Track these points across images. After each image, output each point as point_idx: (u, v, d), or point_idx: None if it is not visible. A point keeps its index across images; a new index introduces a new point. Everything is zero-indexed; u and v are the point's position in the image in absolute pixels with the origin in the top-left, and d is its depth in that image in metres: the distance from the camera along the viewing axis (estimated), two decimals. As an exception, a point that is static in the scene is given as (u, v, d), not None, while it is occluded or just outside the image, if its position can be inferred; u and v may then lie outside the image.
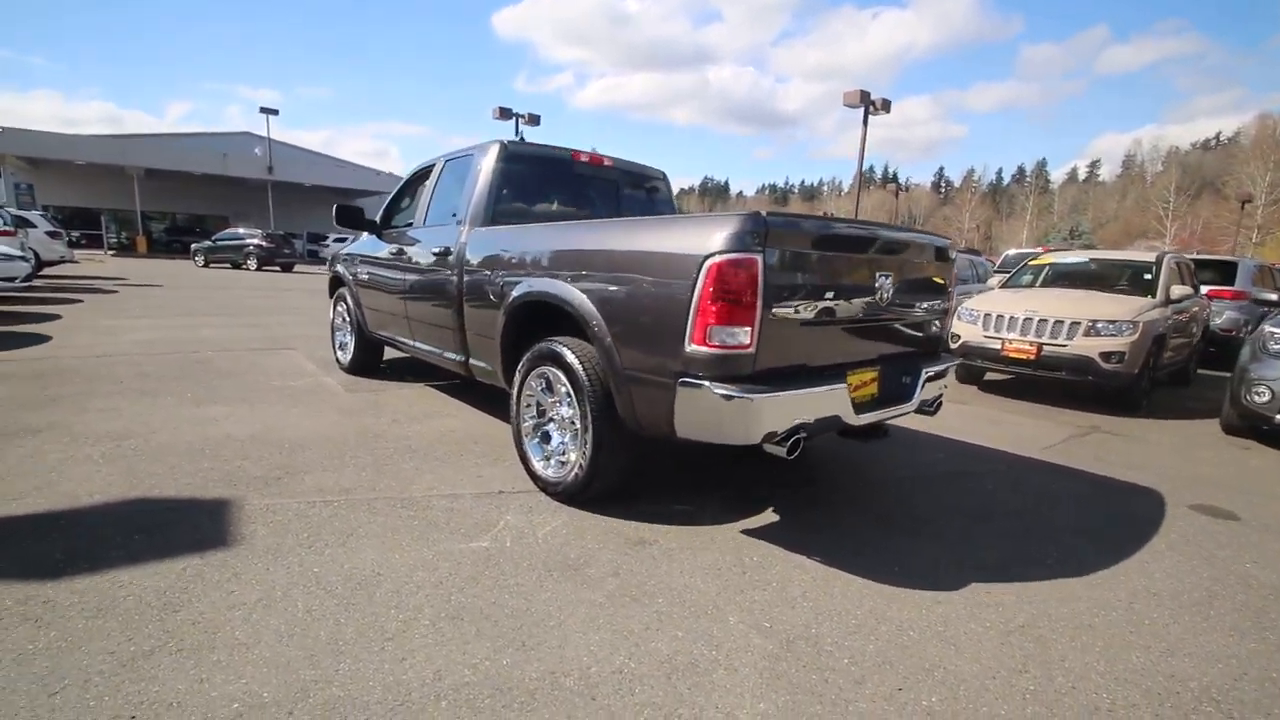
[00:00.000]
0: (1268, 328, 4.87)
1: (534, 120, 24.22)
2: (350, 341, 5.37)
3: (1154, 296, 6.00)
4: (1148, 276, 6.36)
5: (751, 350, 2.17)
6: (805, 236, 2.32)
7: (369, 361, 5.37)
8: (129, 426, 3.66)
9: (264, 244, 23.85)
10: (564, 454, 2.90)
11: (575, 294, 2.65)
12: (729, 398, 2.13)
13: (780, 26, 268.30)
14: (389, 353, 5.55)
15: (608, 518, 2.77)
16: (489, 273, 3.30)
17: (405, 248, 4.26)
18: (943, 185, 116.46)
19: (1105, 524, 3.09)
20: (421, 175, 4.52)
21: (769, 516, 2.91)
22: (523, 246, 3.11)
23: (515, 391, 3.08)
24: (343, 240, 32.07)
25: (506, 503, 2.88)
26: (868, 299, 2.56)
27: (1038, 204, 74.80)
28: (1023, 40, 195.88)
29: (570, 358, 2.69)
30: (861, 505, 3.15)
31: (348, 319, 5.34)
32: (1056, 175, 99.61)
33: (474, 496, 2.93)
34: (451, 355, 3.82)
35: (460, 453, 3.52)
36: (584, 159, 4.01)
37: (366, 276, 4.87)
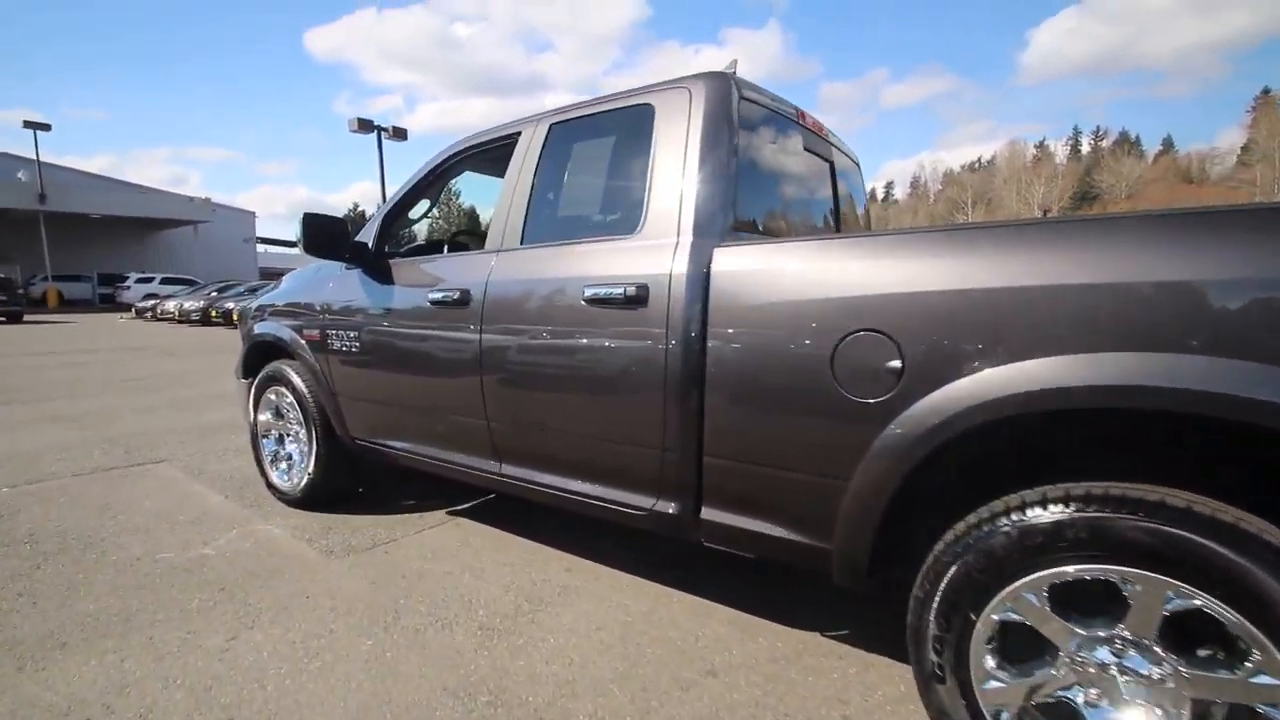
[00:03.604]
0: None
1: (400, 134, 21.37)
2: (303, 452, 3.11)
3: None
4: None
5: None
6: None
7: (341, 485, 3.15)
8: None
9: None
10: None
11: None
12: None
13: (611, 58, 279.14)
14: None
15: None
16: (817, 338, 1.49)
17: (471, 289, 2.24)
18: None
19: None
20: (474, 156, 2.53)
21: None
22: (996, 276, 1.32)
23: (952, 620, 1.32)
24: (147, 280, 26.77)
25: None
26: None
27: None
28: (821, 79, 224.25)
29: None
30: None
31: (298, 414, 3.08)
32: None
33: None
34: (637, 500, 1.90)
35: (726, 721, 1.64)
36: (808, 123, 2.32)
37: (355, 343, 2.70)
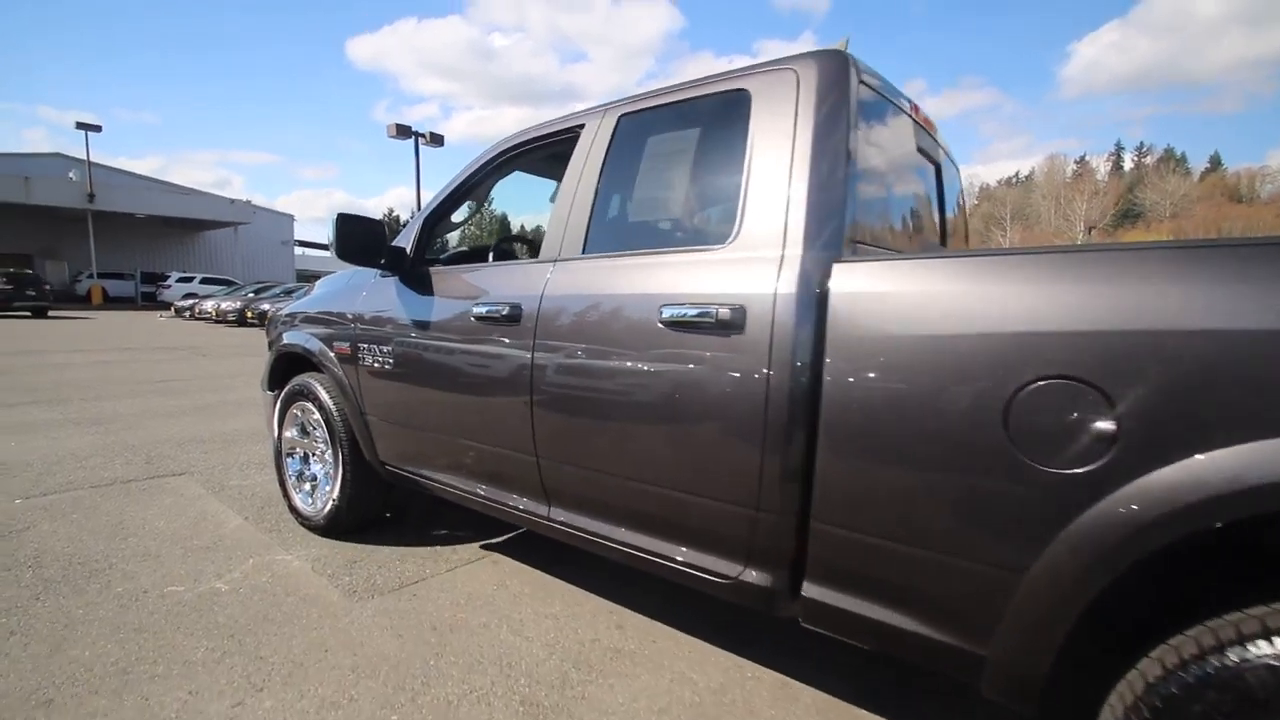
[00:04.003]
0: None
1: (436, 140, 21.46)
2: (328, 475, 2.85)
3: None
4: None
5: None
6: None
7: (367, 512, 2.88)
8: None
9: None
10: None
11: None
12: None
13: (645, 69, 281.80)
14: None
15: None
16: (984, 384, 1.15)
17: (522, 304, 1.95)
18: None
19: None
20: (527, 153, 2.24)
21: None
22: None
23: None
24: (188, 279, 27.43)
25: None
26: None
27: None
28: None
29: None
30: None
31: (324, 433, 2.82)
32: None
33: None
34: (719, 566, 1.57)
35: None
36: (920, 118, 1.99)
37: (388, 360, 2.43)
